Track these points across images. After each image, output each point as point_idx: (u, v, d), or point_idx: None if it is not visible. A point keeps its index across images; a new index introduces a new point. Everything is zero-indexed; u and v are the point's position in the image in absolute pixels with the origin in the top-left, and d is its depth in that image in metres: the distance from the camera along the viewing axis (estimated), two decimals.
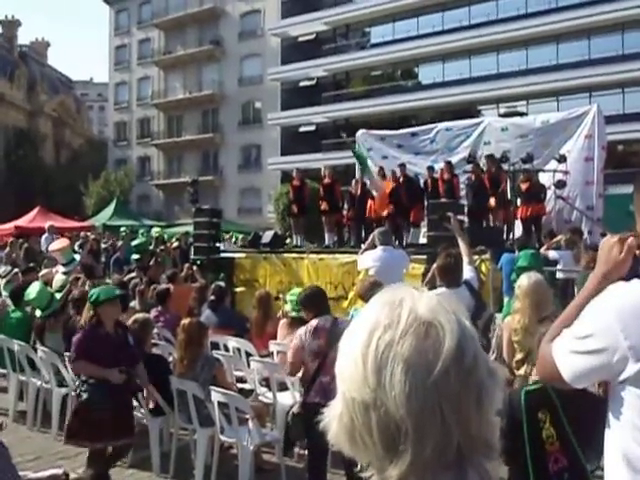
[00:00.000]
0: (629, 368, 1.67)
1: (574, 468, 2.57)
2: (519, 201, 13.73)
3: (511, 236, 13.55)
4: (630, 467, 1.71)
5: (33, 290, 7.85)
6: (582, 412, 2.62)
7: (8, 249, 16.02)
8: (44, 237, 17.17)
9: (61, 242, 11.10)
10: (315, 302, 5.19)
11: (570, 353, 1.79)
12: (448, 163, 14.70)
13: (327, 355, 4.78)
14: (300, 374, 5.13)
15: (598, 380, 1.83)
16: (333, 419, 0.96)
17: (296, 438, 5.03)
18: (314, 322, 4.97)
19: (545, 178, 14.33)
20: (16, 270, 11.31)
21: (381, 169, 15.80)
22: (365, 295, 5.85)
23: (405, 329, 0.91)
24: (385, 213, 14.57)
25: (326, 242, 15.00)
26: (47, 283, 9.03)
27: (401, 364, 0.89)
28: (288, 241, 16.02)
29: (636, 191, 1.95)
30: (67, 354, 6.80)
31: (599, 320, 1.73)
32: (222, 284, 9.52)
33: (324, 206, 14.99)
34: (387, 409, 0.89)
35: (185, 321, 6.07)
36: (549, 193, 14.00)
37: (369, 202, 14.90)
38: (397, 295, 0.97)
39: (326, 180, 15.09)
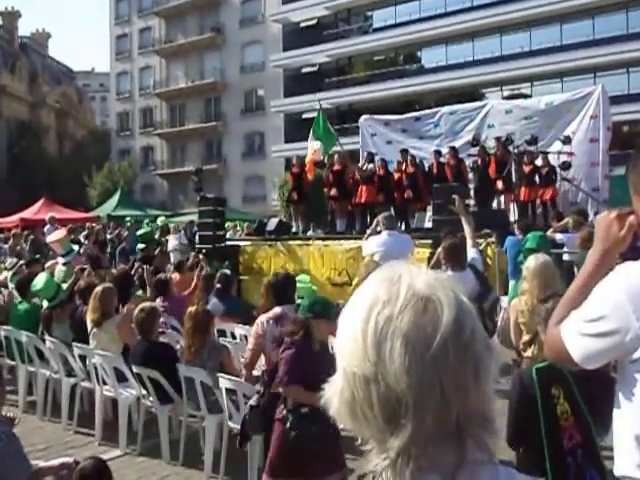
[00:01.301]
0: None
1: (587, 445, 2.57)
2: (520, 183, 13.73)
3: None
4: None
5: (40, 281, 7.87)
6: (593, 387, 2.61)
7: (12, 241, 16.04)
8: (46, 228, 17.19)
9: (59, 233, 11.13)
10: (280, 290, 5.11)
11: (580, 336, 1.77)
12: (452, 148, 14.61)
13: None
14: (263, 364, 5.01)
15: (608, 360, 1.81)
16: (334, 395, 0.97)
17: (253, 431, 4.91)
18: (278, 309, 4.91)
19: (550, 160, 14.29)
20: (22, 262, 11.34)
21: (369, 154, 15.60)
22: None
23: (404, 304, 0.93)
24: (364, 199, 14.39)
25: (338, 228, 14.87)
26: (53, 274, 9.07)
27: (400, 338, 0.91)
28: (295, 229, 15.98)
29: (631, 170, 1.93)
30: (75, 344, 6.85)
31: (610, 302, 1.72)
32: (228, 272, 9.53)
33: (334, 192, 14.80)
34: (387, 383, 0.91)
35: (192, 309, 6.07)
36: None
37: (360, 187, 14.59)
38: (395, 271, 0.99)
39: (336, 167, 14.94)
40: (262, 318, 5.05)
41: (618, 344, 1.70)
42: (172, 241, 16.40)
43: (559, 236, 10.52)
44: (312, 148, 16.04)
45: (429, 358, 0.90)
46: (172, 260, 13.10)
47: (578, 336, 1.78)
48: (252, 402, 4.90)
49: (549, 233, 10.40)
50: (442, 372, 0.90)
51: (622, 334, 1.68)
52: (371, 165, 14.79)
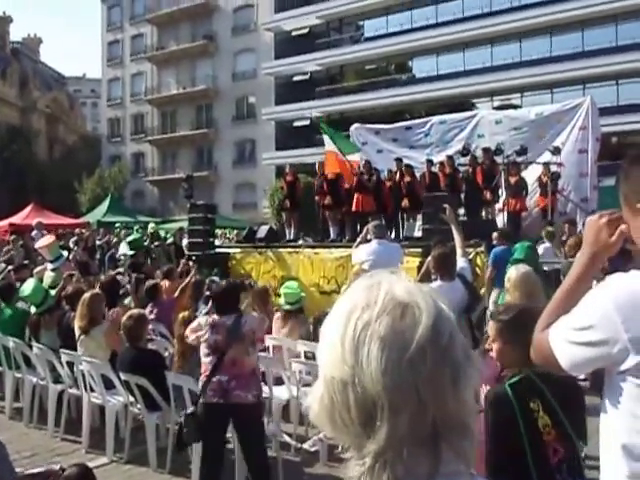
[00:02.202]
0: (630, 360, 1.67)
1: (570, 457, 2.51)
2: (506, 194, 13.83)
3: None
4: (630, 456, 1.71)
5: (28, 287, 7.84)
6: (565, 396, 2.59)
7: (10, 247, 15.80)
8: (33, 233, 17.03)
9: (47, 239, 11.08)
10: (222, 299, 5.01)
11: (569, 343, 1.77)
12: (449, 157, 14.65)
13: (225, 353, 4.72)
14: (202, 372, 4.96)
15: (595, 368, 1.82)
16: (314, 401, 0.98)
17: (190, 440, 4.88)
18: (215, 317, 4.87)
19: (538, 170, 14.38)
20: (9, 267, 11.28)
21: (367, 162, 15.52)
22: None
23: (382, 309, 0.94)
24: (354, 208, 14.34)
25: (331, 236, 14.87)
26: (42, 280, 9.02)
27: (378, 342, 0.91)
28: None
29: (623, 181, 1.94)
30: (63, 350, 6.81)
31: (599, 312, 1.72)
32: (217, 279, 9.51)
33: (327, 201, 14.80)
34: (364, 386, 0.91)
35: (183, 314, 6.07)
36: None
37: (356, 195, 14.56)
38: (375, 279, 1.00)
39: (330, 175, 14.98)
40: (202, 319, 5.01)
41: (606, 354, 1.70)
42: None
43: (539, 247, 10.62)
44: (354, 159, 15.65)
45: (406, 362, 0.90)
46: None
47: (566, 343, 1.78)
48: (188, 411, 4.90)
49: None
50: (418, 376, 0.90)
51: (610, 345, 1.68)
52: (372, 176, 14.73)
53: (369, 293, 0.97)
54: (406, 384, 0.90)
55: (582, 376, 2.68)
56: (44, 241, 10.84)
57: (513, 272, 4.60)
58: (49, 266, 9.90)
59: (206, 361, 4.88)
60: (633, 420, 1.71)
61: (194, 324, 5.07)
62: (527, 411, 2.54)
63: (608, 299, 1.71)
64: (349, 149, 15.76)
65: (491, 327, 2.91)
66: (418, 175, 15.13)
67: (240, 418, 4.82)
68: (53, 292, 8.13)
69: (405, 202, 14.28)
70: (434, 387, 0.91)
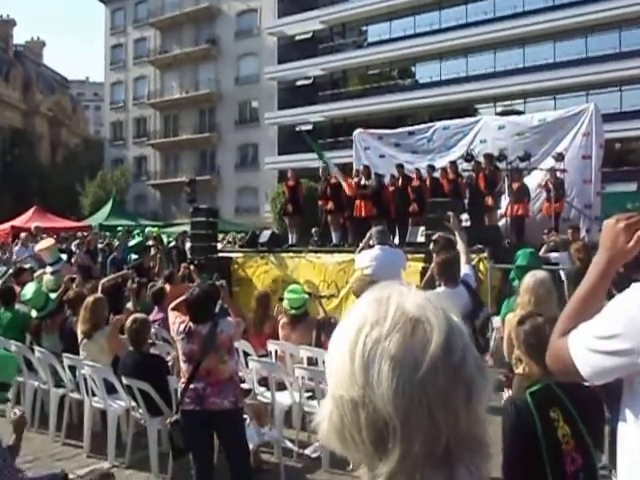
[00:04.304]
0: None
1: (588, 467, 2.49)
2: (509, 200, 13.80)
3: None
4: None
5: (29, 290, 7.82)
6: (586, 406, 2.57)
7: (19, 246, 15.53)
8: (20, 238, 16.76)
9: (46, 242, 11.07)
10: (197, 307, 4.91)
11: (590, 352, 1.74)
12: (453, 163, 14.62)
13: (201, 362, 4.71)
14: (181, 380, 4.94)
15: (618, 377, 1.77)
16: (323, 418, 0.95)
17: (181, 447, 4.86)
18: (192, 325, 4.84)
19: (540, 176, 14.35)
20: (11, 271, 11.25)
21: (366, 168, 15.51)
22: (360, 294, 5.80)
23: (392, 325, 0.91)
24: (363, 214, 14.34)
25: (334, 241, 14.85)
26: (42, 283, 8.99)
27: (388, 361, 0.88)
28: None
29: None
30: (65, 355, 6.79)
31: (625, 320, 1.68)
32: (219, 283, 9.46)
33: (330, 205, 14.81)
34: (375, 406, 0.88)
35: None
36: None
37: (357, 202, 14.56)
38: (384, 292, 0.97)
39: (333, 180, 14.97)
40: (178, 319, 4.96)
41: (630, 363, 1.67)
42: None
43: (554, 255, 10.58)
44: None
45: (417, 381, 0.87)
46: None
47: (588, 352, 1.74)
48: (172, 418, 4.89)
49: (542, 253, 10.42)
50: (431, 395, 0.88)
51: (636, 354, 1.65)
52: (370, 180, 14.72)
53: (379, 308, 0.94)
54: (418, 404, 0.87)
55: (586, 383, 2.66)
56: (43, 244, 10.83)
57: (529, 277, 4.63)
58: (49, 269, 9.88)
59: (183, 368, 4.89)
60: None
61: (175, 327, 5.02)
62: (547, 420, 2.51)
63: (636, 307, 1.67)
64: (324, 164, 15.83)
65: (517, 335, 2.93)
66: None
67: (218, 424, 4.83)
68: (53, 296, 8.11)
69: (414, 207, 14.24)
70: (447, 406, 0.88)
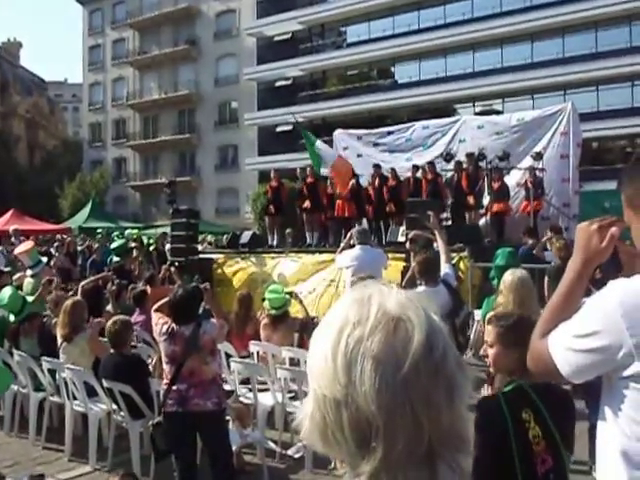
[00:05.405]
0: (634, 366, 1.66)
1: (558, 468, 2.50)
2: (489, 199, 13.90)
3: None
4: (629, 463, 1.70)
5: (5, 295, 7.72)
6: (558, 408, 2.59)
7: None
8: (12, 240, 16.74)
9: (26, 245, 10.97)
10: (180, 308, 4.88)
11: (571, 351, 1.76)
12: (430, 163, 14.67)
13: (183, 363, 4.71)
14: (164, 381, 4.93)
15: (597, 375, 1.80)
16: (305, 417, 0.96)
17: (163, 449, 4.86)
18: (175, 327, 4.83)
19: (519, 175, 14.47)
20: None
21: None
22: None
23: (374, 325, 0.91)
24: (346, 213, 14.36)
25: (308, 241, 14.91)
26: (21, 287, 8.91)
27: (370, 360, 0.89)
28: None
29: (627, 184, 1.92)
30: (44, 358, 6.73)
31: (603, 317, 1.70)
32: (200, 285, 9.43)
33: (306, 204, 14.82)
34: (358, 405, 0.89)
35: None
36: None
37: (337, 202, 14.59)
38: (366, 292, 0.97)
39: (309, 179, 15.00)
40: (162, 320, 4.93)
41: (609, 360, 1.69)
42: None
43: (548, 254, 10.66)
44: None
45: (400, 380, 0.88)
46: None
47: (567, 351, 1.77)
48: (154, 420, 4.90)
49: (536, 252, 10.46)
50: (413, 394, 0.88)
51: (614, 350, 1.67)
52: (352, 181, 14.69)
53: (360, 308, 0.94)
54: (401, 403, 0.88)
55: (557, 384, 2.68)
56: (22, 247, 10.74)
57: (509, 276, 4.66)
58: (28, 272, 9.81)
59: (166, 369, 4.88)
60: (634, 426, 1.71)
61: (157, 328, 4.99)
62: (519, 421, 2.51)
63: (613, 304, 1.69)
64: (315, 163, 15.68)
65: (490, 331, 2.90)
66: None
67: (200, 425, 4.82)
68: (31, 299, 8.03)
69: (390, 207, 14.28)
70: (429, 404, 0.89)
